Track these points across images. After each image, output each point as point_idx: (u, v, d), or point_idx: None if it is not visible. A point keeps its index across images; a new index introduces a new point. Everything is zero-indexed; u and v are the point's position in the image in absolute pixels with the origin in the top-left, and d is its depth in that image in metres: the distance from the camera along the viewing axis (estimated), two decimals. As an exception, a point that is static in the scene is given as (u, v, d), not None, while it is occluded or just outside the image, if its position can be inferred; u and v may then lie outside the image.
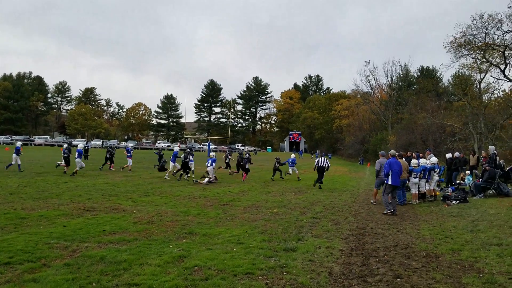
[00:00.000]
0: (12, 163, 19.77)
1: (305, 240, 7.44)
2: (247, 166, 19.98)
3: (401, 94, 56.38)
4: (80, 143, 22.52)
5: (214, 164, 18.20)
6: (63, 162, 19.86)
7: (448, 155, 17.95)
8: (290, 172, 22.05)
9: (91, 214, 9.44)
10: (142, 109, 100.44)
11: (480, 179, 14.09)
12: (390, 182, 11.29)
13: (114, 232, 7.62)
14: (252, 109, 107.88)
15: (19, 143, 20.80)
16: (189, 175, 18.60)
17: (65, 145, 20.44)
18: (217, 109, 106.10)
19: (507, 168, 16.33)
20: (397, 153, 12.96)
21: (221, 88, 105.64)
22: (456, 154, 18.14)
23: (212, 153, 19.24)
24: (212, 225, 8.62)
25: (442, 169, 17.96)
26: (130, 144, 25.15)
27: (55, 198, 11.60)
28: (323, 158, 18.14)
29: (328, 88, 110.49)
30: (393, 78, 59.37)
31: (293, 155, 23.43)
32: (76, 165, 19.40)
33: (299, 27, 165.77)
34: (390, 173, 11.32)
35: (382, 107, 59.18)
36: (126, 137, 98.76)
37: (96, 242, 6.88)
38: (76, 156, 19.66)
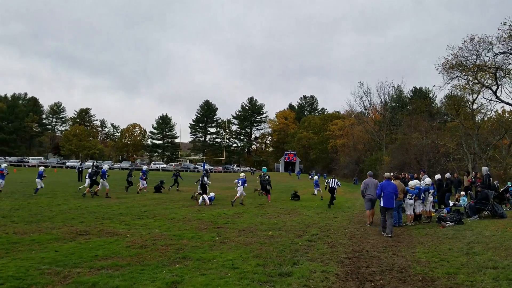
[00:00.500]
0: (38, 187, 19.97)
1: (300, 264, 7.38)
2: (268, 188, 21.10)
3: (394, 114, 56.83)
4: (105, 165, 23.20)
5: (245, 184, 18.80)
6: (86, 184, 20.34)
7: (437, 176, 17.77)
8: (316, 192, 23.98)
9: (84, 238, 9.33)
10: (137, 129, 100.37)
11: (475, 200, 14.11)
12: (381, 204, 11.58)
13: (107, 257, 7.53)
14: (248, 129, 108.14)
15: (41, 168, 21.58)
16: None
17: (90, 169, 21.28)
18: (212, 129, 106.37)
19: (501, 189, 16.39)
20: (392, 175, 13.06)
21: (216, 109, 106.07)
22: (447, 175, 18.02)
23: (242, 174, 20.10)
24: (206, 249, 8.54)
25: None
26: (145, 167, 25.62)
27: (48, 221, 11.47)
28: (333, 179, 19.46)
29: (322, 108, 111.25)
30: (387, 99, 59.93)
31: (316, 177, 25.70)
32: (101, 186, 19.99)
33: (293, 50, 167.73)
34: (382, 195, 11.57)
35: (376, 127, 59.52)
36: (120, 158, 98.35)
37: (88, 267, 6.78)
38: (101, 177, 20.24)
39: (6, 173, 19.84)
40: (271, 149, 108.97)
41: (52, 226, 10.73)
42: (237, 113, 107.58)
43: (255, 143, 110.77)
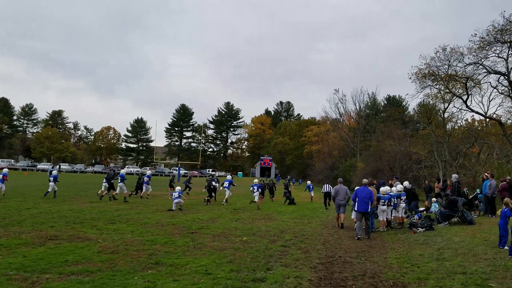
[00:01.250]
0: (49, 190, 20.36)
1: (274, 270, 7.38)
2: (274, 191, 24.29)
3: (369, 121, 57.72)
4: (123, 170, 24.11)
5: (260, 190, 20.52)
6: (102, 188, 20.84)
7: (406, 183, 17.84)
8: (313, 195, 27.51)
9: (54, 243, 9.10)
10: (111, 132, 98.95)
11: (445, 207, 14.43)
12: (355, 208, 12.04)
13: (77, 263, 7.36)
14: (224, 134, 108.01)
15: (55, 172, 22.33)
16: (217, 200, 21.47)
17: (107, 174, 22.03)
18: (188, 134, 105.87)
19: (471, 196, 16.80)
20: (369, 180, 13.35)
21: (193, 113, 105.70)
22: (406, 183, 17.87)
23: (256, 180, 21.75)
24: (179, 254, 8.44)
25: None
26: (149, 171, 26.13)
27: (17, 225, 11.15)
28: (328, 185, 22.21)
29: (298, 114, 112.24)
30: (361, 106, 60.84)
31: (309, 182, 30.02)
32: (119, 189, 20.68)
33: (271, 55, 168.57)
34: (356, 200, 12.01)
35: (350, 134, 60.27)
36: (93, 161, 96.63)
37: (58, 273, 6.61)
38: (119, 181, 20.83)
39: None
40: (247, 154, 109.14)
41: (21, 230, 10.43)
42: (214, 117, 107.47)
43: (231, 148, 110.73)
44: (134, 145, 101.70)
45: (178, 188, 18.39)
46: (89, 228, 11.23)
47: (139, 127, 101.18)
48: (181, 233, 11.11)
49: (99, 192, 21.01)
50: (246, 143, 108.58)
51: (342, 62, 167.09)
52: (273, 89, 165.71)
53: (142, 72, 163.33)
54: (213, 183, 21.71)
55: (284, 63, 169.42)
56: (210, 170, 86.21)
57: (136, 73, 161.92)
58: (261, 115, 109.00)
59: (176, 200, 17.23)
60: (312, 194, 27.49)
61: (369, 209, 12.06)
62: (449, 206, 14.14)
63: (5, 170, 20.14)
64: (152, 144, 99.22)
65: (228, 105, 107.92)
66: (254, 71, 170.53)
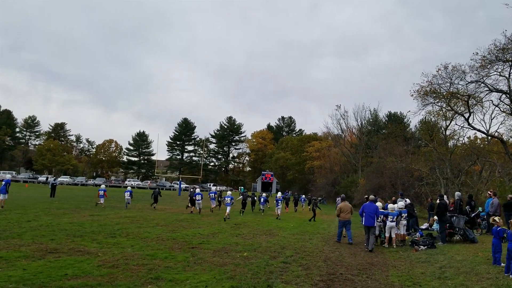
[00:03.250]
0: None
1: (274, 287, 7.33)
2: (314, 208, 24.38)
3: (370, 138, 57.70)
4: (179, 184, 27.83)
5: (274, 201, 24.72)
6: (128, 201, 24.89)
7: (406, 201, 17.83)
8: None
9: (54, 256, 9.06)
10: (113, 145, 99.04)
11: (447, 225, 14.35)
12: (363, 223, 12.90)
13: (77, 276, 7.32)
14: (225, 148, 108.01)
15: (103, 186, 25.79)
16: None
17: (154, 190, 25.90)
18: (190, 148, 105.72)
19: (473, 214, 16.73)
20: (375, 197, 13.83)
21: (195, 127, 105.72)
22: (406, 200, 17.77)
23: (279, 194, 25.67)
24: (179, 269, 8.40)
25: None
26: (198, 189, 28.53)
27: (17, 238, 11.12)
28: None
29: (300, 129, 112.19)
30: (363, 123, 60.85)
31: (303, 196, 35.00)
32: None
33: (273, 71, 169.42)
34: (364, 215, 12.84)
35: (352, 150, 60.24)
36: (94, 174, 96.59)
37: (57, 287, 6.58)
38: (129, 195, 24.98)
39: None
40: (248, 168, 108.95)
41: (21, 243, 10.40)
42: (216, 132, 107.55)
43: (233, 163, 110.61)
44: (136, 159, 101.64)
45: (229, 192, 23.38)
46: (89, 242, 11.19)
47: (141, 141, 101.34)
48: (181, 248, 11.07)
49: (154, 205, 24.96)
50: (247, 157, 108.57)
51: (343, 79, 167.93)
52: (275, 105, 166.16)
53: (145, 86, 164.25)
54: (227, 194, 23.79)
55: (286, 79, 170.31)
56: (211, 184, 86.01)
57: (138, 87, 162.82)
58: (262, 130, 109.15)
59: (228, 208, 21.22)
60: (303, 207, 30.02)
61: (375, 223, 12.93)
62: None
63: (8, 177, 20.20)
64: (153, 157, 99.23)
65: (230, 119, 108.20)
66: (256, 86, 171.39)
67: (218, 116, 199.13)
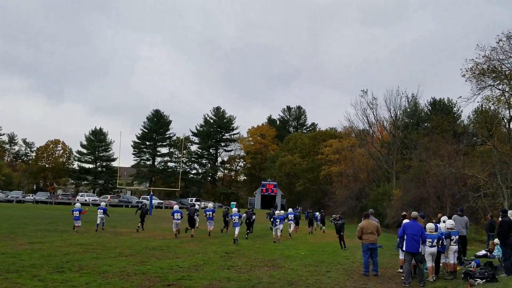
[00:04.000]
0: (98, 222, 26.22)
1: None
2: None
3: (408, 134, 57.77)
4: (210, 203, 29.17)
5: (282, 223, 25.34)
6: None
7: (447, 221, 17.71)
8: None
9: (-21, 299, 9.06)
10: (59, 148, 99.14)
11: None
12: (403, 248, 13.13)
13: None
14: (212, 150, 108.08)
15: (103, 203, 28.54)
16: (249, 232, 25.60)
17: (189, 210, 27.03)
18: (164, 150, 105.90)
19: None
20: (419, 214, 13.93)
21: (170, 122, 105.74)
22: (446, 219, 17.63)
23: (282, 211, 27.90)
24: (151, 315, 8.41)
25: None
26: (211, 204, 31.79)
27: None
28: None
29: (313, 124, 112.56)
30: (398, 113, 60.86)
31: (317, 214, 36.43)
32: (100, 220, 26.47)
33: (276, 47, 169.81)
34: (405, 237, 12.99)
35: (383, 150, 60.32)
36: (35, 187, 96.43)
37: None
38: (102, 212, 26.60)
39: None
40: (243, 177, 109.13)
41: None
42: (198, 128, 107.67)
43: (222, 169, 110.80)
44: (91, 165, 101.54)
45: (235, 209, 25.46)
46: (28, 279, 11.17)
47: (97, 141, 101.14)
48: (153, 286, 11.07)
49: (189, 230, 25.53)
50: (241, 162, 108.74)
51: (370, 56, 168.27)
52: (278, 91, 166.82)
53: (103, 69, 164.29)
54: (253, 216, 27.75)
55: (293, 58, 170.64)
56: (194, 199, 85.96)
57: (94, 70, 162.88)
58: (262, 125, 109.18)
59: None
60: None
61: (420, 249, 13.04)
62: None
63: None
64: (114, 164, 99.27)
65: (218, 111, 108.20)
66: (253, 67, 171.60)
67: (202, 108, 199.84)
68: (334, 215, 26.34)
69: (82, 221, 25.30)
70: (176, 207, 26.92)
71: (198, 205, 33.70)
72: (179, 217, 24.55)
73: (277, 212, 27.44)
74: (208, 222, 25.76)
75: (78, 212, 25.12)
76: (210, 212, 25.51)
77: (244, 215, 27.10)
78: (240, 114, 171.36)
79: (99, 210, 26.76)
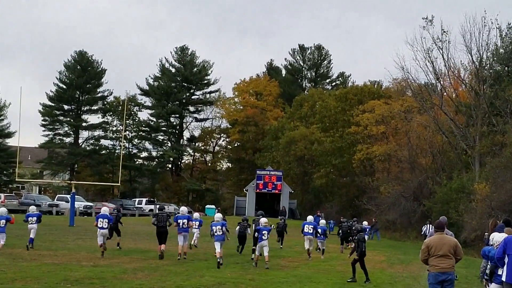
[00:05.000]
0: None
1: None
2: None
3: (500, 91, 57.53)
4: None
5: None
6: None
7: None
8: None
9: None
10: None
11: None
12: (503, 278, 12.08)
13: None
14: (174, 120, 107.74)
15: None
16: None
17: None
18: (94, 119, 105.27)
19: None
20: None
21: (104, 71, 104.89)
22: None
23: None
24: None
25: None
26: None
27: None
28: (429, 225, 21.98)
29: (342, 75, 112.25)
30: (484, 57, 60.64)
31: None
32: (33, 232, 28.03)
33: None
34: (507, 261, 12.10)
35: (460, 119, 60.31)
36: None
37: None
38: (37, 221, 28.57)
39: None
40: (226, 164, 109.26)
41: None
42: (151, 82, 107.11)
43: (191, 152, 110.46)
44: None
45: (263, 220, 26.16)
46: None
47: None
48: None
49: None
50: (223, 140, 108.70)
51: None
52: (284, 21, 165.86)
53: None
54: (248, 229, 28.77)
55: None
56: (145, 201, 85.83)
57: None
58: (257, 76, 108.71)
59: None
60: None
61: None
62: None
63: None
64: (11, 142, 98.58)
65: (183, 54, 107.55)
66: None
67: (156, 48, 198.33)
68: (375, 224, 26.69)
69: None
70: (104, 209, 27.77)
71: (168, 212, 33.49)
72: (106, 225, 25.28)
73: (262, 220, 27.14)
74: (179, 236, 25.99)
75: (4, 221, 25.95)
76: (185, 220, 25.99)
77: (237, 229, 28.76)
78: (221, 58, 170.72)
79: (28, 217, 28.15)
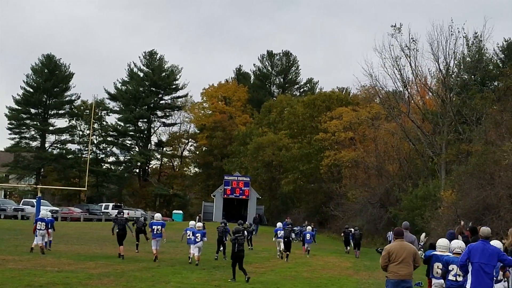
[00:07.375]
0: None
1: None
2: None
3: (467, 99, 57.95)
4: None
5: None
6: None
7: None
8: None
9: None
10: None
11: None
12: (468, 286, 12.34)
13: None
14: (142, 124, 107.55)
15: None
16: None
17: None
18: (61, 123, 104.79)
19: None
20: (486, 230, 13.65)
21: (72, 75, 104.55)
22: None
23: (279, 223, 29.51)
24: None
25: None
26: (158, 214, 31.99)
27: None
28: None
29: (310, 81, 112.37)
30: (451, 65, 61.06)
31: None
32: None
33: None
34: (470, 268, 12.36)
35: (427, 126, 60.64)
36: None
37: None
38: (49, 226, 28.45)
39: None
40: (193, 169, 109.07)
41: None
42: (119, 87, 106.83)
43: (158, 156, 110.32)
44: None
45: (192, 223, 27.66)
46: None
47: None
48: None
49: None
50: (191, 145, 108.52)
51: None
52: (254, 26, 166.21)
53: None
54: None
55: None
56: (112, 205, 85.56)
57: None
58: (226, 81, 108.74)
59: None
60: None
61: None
62: None
63: None
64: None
65: (152, 58, 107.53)
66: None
67: (125, 52, 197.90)
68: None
69: None
70: (43, 213, 28.93)
71: (144, 219, 34.71)
72: (43, 227, 26.36)
73: (197, 224, 28.48)
74: (153, 241, 27.17)
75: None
76: (159, 227, 27.11)
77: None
78: (190, 63, 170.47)
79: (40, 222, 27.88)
